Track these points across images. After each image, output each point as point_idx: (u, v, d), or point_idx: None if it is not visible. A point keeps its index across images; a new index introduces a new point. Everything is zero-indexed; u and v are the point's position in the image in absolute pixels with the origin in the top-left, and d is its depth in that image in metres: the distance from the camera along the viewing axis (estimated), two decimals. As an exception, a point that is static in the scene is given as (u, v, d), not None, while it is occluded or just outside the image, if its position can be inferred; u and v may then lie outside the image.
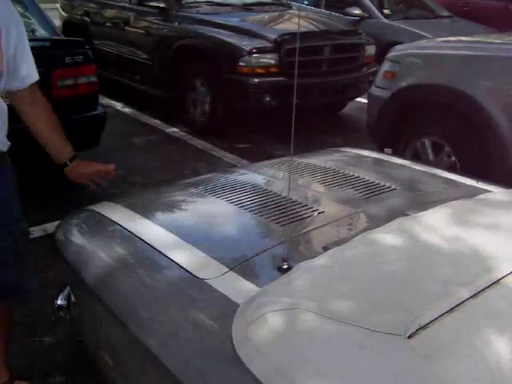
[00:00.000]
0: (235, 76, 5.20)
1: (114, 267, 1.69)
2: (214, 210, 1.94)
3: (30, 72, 1.96)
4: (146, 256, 1.70)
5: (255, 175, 2.31)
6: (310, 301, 1.31)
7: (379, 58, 6.06)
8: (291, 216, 1.87)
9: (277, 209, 1.92)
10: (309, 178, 2.23)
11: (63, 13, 8.10)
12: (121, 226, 1.87)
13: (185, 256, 1.63)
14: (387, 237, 1.65)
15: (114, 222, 1.91)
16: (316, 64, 5.45)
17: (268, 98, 5.22)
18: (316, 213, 1.90)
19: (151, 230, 1.80)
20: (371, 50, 5.98)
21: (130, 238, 1.79)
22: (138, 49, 6.41)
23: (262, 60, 5.18)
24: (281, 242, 1.70)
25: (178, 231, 1.77)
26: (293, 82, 5.24)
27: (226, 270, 1.56)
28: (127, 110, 6.56)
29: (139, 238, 1.76)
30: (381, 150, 4.37)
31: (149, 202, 2.17)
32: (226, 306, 1.43)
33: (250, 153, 5.31)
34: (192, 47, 5.64)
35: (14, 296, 2.10)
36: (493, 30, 7.84)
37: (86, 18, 7.39)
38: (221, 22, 5.62)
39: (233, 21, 5.73)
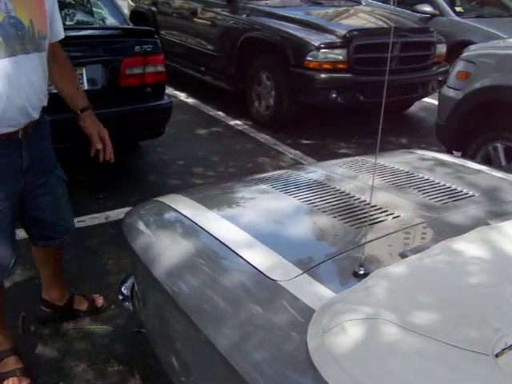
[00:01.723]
0: (302, 71, 5.14)
1: (184, 262, 1.66)
2: (286, 209, 1.89)
3: (59, 29, 2.21)
4: (217, 253, 1.66)
5: (328, 174, 2.24)
6: (390, 311, 1.25)
7: (450, 57, 5.90)
8: (366, 219, 1.80)
9: (351, 211, 1.86)
10: (383, 180, 2.16)
11: (131, 2, 8.21)
12: (191, 220, 1.84)
13: (257, 255, 1.59)
14: (468, 246, 1.56)
15: (184, 215, 1.89)
16: (384, 61, 5.32)
17: (334, 95, 5.13)
18: (391, 217, 1.82)
19: (222, 226, 1.77)
20: (442, 48, 5.80)
21: (200, 233, 1.76)
22: (203, 40, 6.42)
23: (330, 55, 5.09)
24: (356, 245, 1.65)
25: (250, 229, 1.73)
26: (360, 79, 5.19)
27: (300, 272, 1.51)
28: (191, 100, 6.59)
29: (209, 233, 1.73)
30: (449, 153, 4.25)
31: (218, 196, 2.14)
32: (299, 311, 1.38)
33: (314, 149, 5.25)
34: (259, 40, 5.60)
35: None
36: None
37: (154, 8, 7.45)
38: (289, 15, 5.56)
39: (301, 14, 5.66)
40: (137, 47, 3.97)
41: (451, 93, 4.05)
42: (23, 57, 1.92)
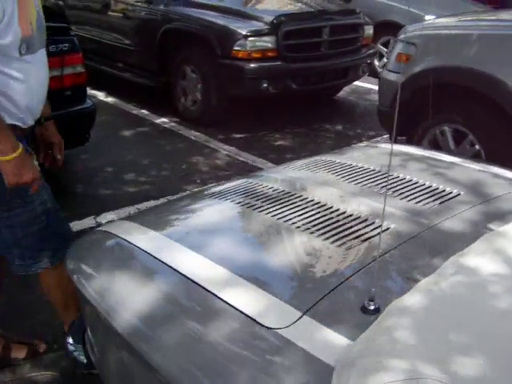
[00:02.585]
0: (230, 61, 4.85)
1: (152, 311, 1.35)
2: (261, 230, 1.61)
3: None
4: (192, 296, 1.37)
5: (294, 181, 1.98)
6: (430, 363, 1.01)
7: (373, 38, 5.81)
8: (354, 235, 1.56)
9: (334, 226, 1.61)
10: (355, 184, 1.92)
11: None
12: (150, 254, 1.53)
13: (242, 296, 1.31)
14: (482, 261, 1.36)
15: (141, 249, 1.57)
16: (314, 47, 5.12)
17: (265, 85, 4.89)
18: (383, 229, 1.59)
19: (190, 260, 1.47)
20: (370, 30, 5.66)
21: (166, 271, 1.45)
22: (119, 34, 6.01)
23: (258, 44, 4.83)
24: (354, 271, 1.40)
25: (225, 262, 1.45)
26: (292, 66, 4.96)
27: (299, 314, 1.25)
28: (110, 99, 6.16)
29: (177, 271, 1.43)
30: (394, 140, 4.09)
31: (175, 220, 1.83)
32: (310, 368, 1.12)
33: (248, 143, 4.99)
34: (180, 31, 5.26)
35: None
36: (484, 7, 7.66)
37: (60, 2, 6.93)
38: (211, 3, 5.25)
39: (225, 2, 5.35)
40: (51, 47, 3.54)
41: (392, 76, 3.89)
42: (43, 51, 1.93)
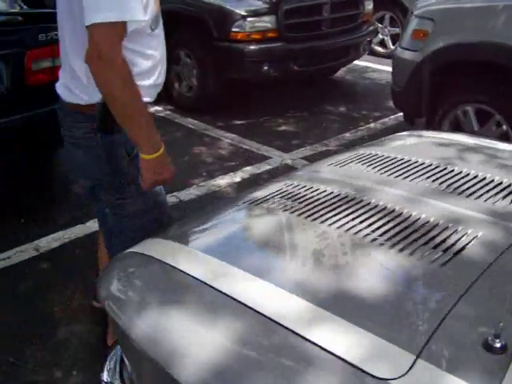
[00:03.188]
0: (228, 44, 4.57)
1: (220, 361, 1.11)
2: (327, 245, 1.37)
3: None
4: (271, 339, 1.12)
5: (343, 181, 1.74)
6: None
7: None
8: (441, 248, 1.33)
9: (413, 237, 1.38)
10: (417, 183, 1.69)
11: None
12: (202, 282, 1.28)
13: (336, 337, 1.08)
14: None
15: (187, 274, 1.33)
16: (315, 26, 4.86)
17: (266, 67, 4.62)
18: (470, 239, 1.36)
19: (256, 289, 1.23)
20: (369, 5, 5.39)
21: (228, 305, 1.21)
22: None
23: (258, 24, 4.55)
24: (459, 296, 1.17)
25: (300, 290, 1.21)
26: (293, 46, 4.69)
27: (412, 357, 1.01)
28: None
29: (244, 304, 1.19)
30: (409, 121, 3.87)
31: (218, 235, 1.56)
32: None
33: (250, 130, 4.73)
34: (173, 13, 4.92)
35: None
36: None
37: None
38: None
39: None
40: (41, 35, 3.25)
41: (407, 55, 3.66)
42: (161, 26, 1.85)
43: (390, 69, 6.71)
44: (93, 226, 3.18)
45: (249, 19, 4.49)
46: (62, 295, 2.63)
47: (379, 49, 7.05)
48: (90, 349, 2.30)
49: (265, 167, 4.01)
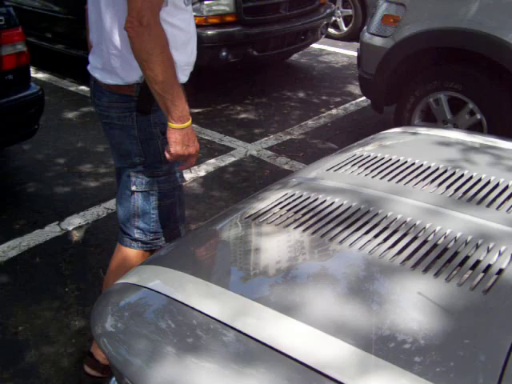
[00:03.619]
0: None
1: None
2: (353, 271, 1.21)
3: None
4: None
5: (350, 191, 1.59)
6: None
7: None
8: (478, 269, 1.21)
9: (446, 257, 1.25)
10: (431, 191, 1.56)
11: None
12: (215, 319, 1.12)
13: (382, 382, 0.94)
14: None
15: (194, 309, 1.15)
16: (273, 9, 4.68)
17: (225, 53, 4.42)
18: (508, 256, 1.25)
19: (286, 330, 1.07)
20: (326, -13, 5.25)
21: (253, 350, 1.05)
22: (46, 0, 5.29)
23: (215, 8, 4.32)
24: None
25: (340, 330, 1.06)
26: (252, 31, 4.50)
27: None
28: (42, 75, 5.48)
29: (266, 345, 1.04)
30: (378, 109, 3.77)
31: (222, 260, 1.39)
32: None
33: (209, 119, 4.54)
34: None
35: None
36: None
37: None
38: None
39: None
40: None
41: (378, 41, 3.53)
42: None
43: (344, 51, 6.68)
44: (52, 230, 2.95)
45: (206, 2, 4.27)
46: (26, 312, 2.40)
47: (332, 31, 6.94)
48: (65, 375, 2.09)
49: (229, 159, 3.83)
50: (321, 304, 1.14)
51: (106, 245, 2.81)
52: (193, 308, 1.17)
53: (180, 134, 1.69)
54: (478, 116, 3.23)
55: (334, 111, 4.78)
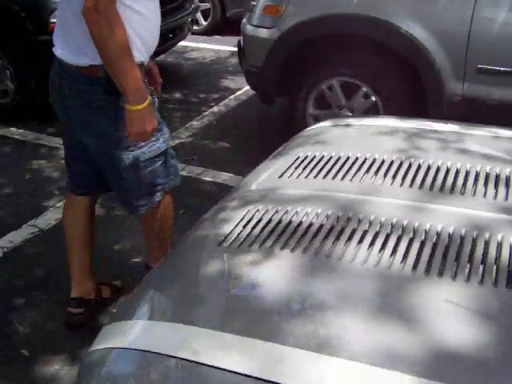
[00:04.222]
0: (47, 37, 3.93)
1: None
2: (373, 289, 1.10)
3: None
4: None
5: (327, 197, 1.47)
6: None
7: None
8: (498, 266, 1.15)
9: (463, 260, 1.18)
10: (410, 187, 1.49)
11: None
12: (250, 376, 0.96)
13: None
14: None
15: (220, 368, 0.99)
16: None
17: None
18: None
19: (324, 371, 0.94)
20: (189, -19, 5.08)
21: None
22: None
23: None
24: None
25: (380, 356, 0.94)
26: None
27: None
28: None
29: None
30: (268, 101, 3.70)
31: (219, 300, 1.20)
32: None
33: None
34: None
35: None
36: None
37: None
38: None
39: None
40: None
41: (262, 32, 3.44)
42: None
43: (209, 46, 6.56)
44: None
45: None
46: None
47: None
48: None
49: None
50: (355, 333, 1.02)
51: None
52: (210, 366, 1.00)
53: (137, 114, 1.79)
54: (373, 98, 3.27)
55: (215, 108, 4.66)
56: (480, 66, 2.92)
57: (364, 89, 3.28)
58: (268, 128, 4.24)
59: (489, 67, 2.90)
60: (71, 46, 1.87)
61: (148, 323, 1.16)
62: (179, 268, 1.35)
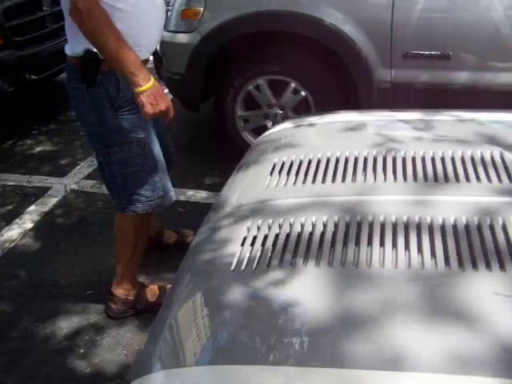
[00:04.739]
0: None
1: None
2: (419, 294, 1.07)
3: None
4: None
5: (317, 201, 1.43)
6: None
7: None
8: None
9: (475, 245, 1.18)
10: (399, 182, 1.48)
11: None
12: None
13: None
14: None
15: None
16: (39, 24, 4.18)
17: (0, 83, 3.84)
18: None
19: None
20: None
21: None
22: None
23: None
24: None
25: (455, 363, 0.91)
26: (25, 52, 3.97)
27: None
28: None
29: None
30: (193, 108, 3.61)
31: (258, 334, 1.10)
32: None
33: (5, 161, 3.91)
34: None
35: None
36: None
37: None
38: None
39: None
40: None
41: (182, 38, 3.33)
42: None
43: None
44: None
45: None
46: None
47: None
48: None
49: (51, 201, 3.34)
50: (419, 343, 0.98)
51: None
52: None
53: (145, 95, 1.83)
54: (303, 93, 3.26)
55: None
56: (405, 52, 2.98)
57: (292, 85, 3.26)
58: (198, 137, 4.14)
59: (414, 52, 2.97)
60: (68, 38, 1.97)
61: (197, 369, 1.05)
62: (197, 305, 1.24)
